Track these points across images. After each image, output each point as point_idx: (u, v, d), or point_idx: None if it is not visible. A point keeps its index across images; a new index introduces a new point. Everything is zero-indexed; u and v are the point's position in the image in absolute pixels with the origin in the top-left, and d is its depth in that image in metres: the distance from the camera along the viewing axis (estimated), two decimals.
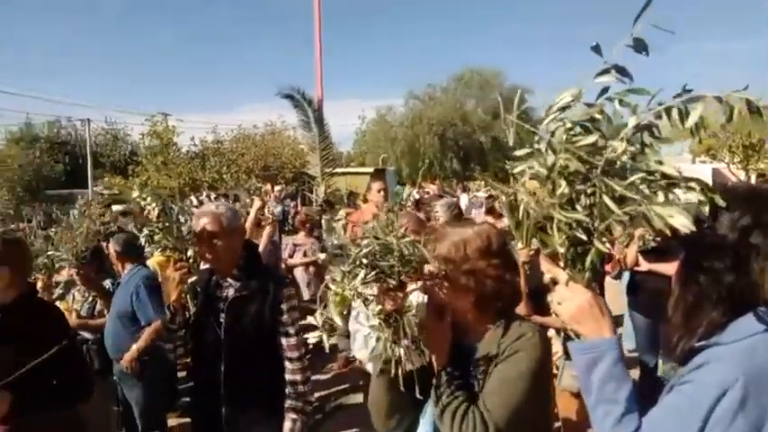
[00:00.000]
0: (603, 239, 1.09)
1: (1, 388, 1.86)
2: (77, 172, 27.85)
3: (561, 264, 1.20)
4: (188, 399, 4.26)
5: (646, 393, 1.27)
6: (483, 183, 25.97)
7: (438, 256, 1.44)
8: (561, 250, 1.15)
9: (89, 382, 2.30)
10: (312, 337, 1.32)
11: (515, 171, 1.18)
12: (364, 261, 1.28)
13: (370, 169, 26.13)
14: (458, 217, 4.27)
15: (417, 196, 7.05)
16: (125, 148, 30.31)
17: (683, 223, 0.98)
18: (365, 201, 8.70)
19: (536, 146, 1.13)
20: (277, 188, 13.94)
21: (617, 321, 6.22)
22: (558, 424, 3.32)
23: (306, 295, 6.15)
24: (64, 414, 2.17)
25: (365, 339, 2.45)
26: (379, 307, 1.30)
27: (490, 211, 7.05)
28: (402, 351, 1.31)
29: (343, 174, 21.30)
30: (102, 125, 30.72)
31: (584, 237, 1.11)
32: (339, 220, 6.59)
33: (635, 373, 5.25)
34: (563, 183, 1.08)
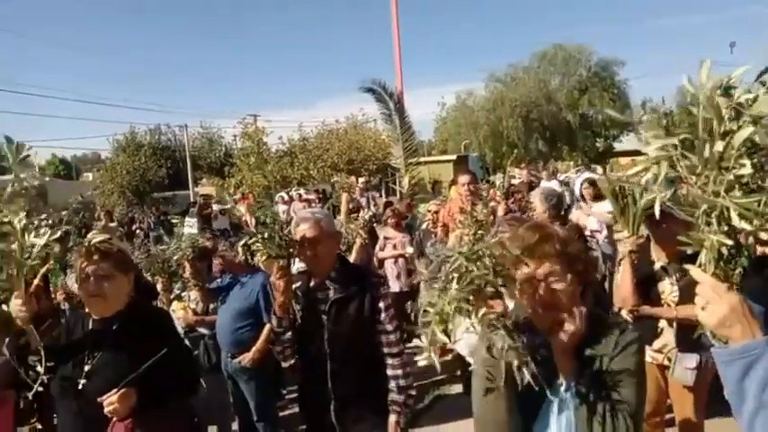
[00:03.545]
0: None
1: (127, 386, 2.06)
2: (179, 174, 29.72)
3: (702, 264, 1.08)
4: (289, 392, 4.54)
5: None
6: (572, 163, 24.86)
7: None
8: (724, 251, 0.99)
9: (197, 378, 2.48)
10: (422, 359, 1.28)
11: (649, 155, 1.04)
12: (456, 275, 1.26)
13: (453, 157, 25.90)
14: (556, 207, 4.07)
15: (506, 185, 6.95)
16: (219, 150, 31.88)
17: None
18: (452, 185, 8.68)
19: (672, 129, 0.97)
20: (361, 180, 14.22)
21: None
22: (670, 415, 3.24)
23: (395, 287, 6.26)
24: (178, 407, 2.34)
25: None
26: (483, 311, 1.24)
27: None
28: (521, 355, 1.25)
29: (426, 163, 21.24)
30: (199, 129, 32.52)
31: (748, 226, 0.94)
32: (425, 214, 6.69)
33: None
34: (746, 162, 0.92)
